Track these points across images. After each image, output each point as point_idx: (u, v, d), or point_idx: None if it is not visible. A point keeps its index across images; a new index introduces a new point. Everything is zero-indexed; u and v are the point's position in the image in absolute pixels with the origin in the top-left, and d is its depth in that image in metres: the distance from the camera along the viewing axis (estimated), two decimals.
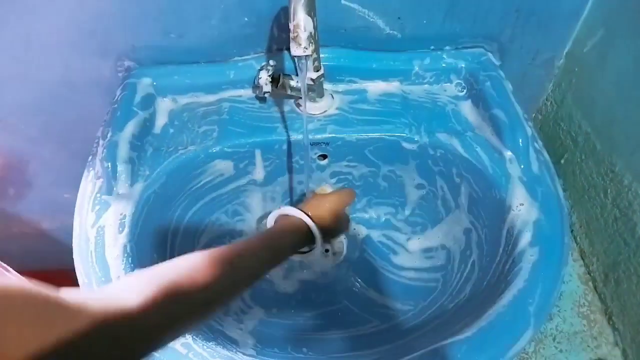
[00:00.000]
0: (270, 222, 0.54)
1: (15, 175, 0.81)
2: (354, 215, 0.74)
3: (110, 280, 0.49)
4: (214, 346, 0.46)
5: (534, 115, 0.83)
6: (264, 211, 0.73)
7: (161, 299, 0.31)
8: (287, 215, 0.53)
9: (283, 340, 0.60)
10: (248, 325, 0.62)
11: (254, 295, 0.66)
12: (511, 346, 0.44)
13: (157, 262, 0.57)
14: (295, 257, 0.56)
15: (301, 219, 0.52)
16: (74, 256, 0.51)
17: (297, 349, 0.58)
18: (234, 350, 0.48)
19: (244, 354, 0.48)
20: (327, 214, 0.54)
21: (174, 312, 0.33)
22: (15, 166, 0.73)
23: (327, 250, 0.72)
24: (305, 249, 0.53)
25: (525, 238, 0.52)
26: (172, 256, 0.62)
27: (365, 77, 0.68)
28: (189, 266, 0.36)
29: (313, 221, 0.51)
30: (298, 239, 0.51)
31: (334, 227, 0.55)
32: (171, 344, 0.45)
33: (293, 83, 0.61)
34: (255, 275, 0.44)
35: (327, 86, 0.66)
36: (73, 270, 0.51)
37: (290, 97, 0.65)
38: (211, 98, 0.67)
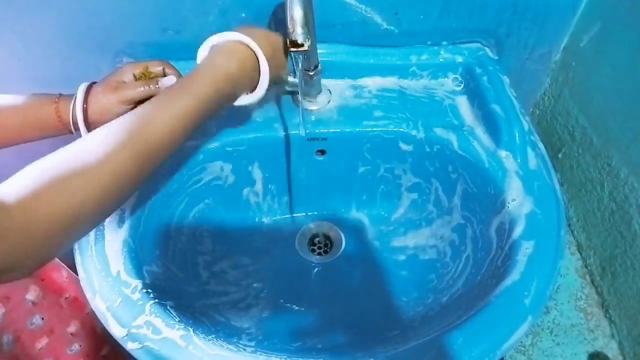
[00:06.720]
0: (201, 55, 0.46)
1: (15, 170, 0.82)
2: (352, 211, 0.74)
3: (110, 274, 0.49)
4: (214, 339, 0.47)
5: (531, 110, 0.83)
6: (264, 207, 0.73)
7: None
8: (223, 42, 0.45)
9: (282, 332, 0.61)
10: (249, 317, 0.62)
11: (255, 288, 0.66)
12: (507, 339, 0.45)
13: (159, 258, 0.58)
14: (243, 101, 0.49)
15: (241, 42, 0.45)
16: (74, 250, 0.52)
17: (296, 340, 0.59)
18: (235, 342, 0.48)
19: (244, 345, 0.49)
20: (273, 37, 0.48)
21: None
22: (14, 162, 0.74)
23: (325, 249, 0.72)
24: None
25: (521, 231, 0.52)
26: (174, 253, 0.62)
27: (362, 73, 0.68)
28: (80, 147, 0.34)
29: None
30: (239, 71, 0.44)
31: (280, 57, 0.50)
32: (170, 337, 0.45)
33: (290, 79, 0.61)
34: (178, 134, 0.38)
35: (324, 82, 0.66)
36: (73, 264, 0.51)
37: (288, 92, 0.66)
38: None
